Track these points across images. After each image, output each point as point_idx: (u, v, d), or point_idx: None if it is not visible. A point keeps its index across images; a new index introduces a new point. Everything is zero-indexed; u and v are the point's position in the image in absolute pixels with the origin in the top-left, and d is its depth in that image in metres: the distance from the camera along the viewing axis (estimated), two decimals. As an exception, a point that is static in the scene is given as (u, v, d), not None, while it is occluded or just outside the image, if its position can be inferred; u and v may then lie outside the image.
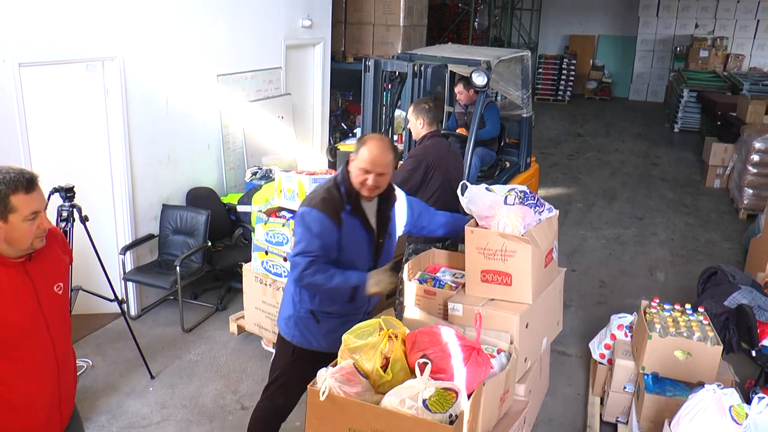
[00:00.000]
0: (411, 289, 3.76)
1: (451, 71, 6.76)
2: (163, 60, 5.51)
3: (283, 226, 4.60)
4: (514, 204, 3.50)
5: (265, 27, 6.86)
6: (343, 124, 9.64)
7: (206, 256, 5.61)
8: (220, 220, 5.89)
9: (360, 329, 2.68)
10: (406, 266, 3.94)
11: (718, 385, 2.96)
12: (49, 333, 2.37)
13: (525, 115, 6.88)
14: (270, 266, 4.79)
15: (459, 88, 6.62)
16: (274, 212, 4.77)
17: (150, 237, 5.61)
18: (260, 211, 4.77)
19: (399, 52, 9.48)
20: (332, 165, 8.38)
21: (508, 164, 6.93)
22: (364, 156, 2.97)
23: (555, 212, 3.72)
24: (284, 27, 7.19)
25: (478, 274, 3.54)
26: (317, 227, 3.00)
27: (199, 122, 6.06)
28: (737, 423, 2.82)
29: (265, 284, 4.90)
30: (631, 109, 18.27)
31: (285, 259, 4.60)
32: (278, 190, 4.72)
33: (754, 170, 8.75)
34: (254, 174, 6.35)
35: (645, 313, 4.09)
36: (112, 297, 4.67)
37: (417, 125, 4.59)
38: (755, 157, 8.75)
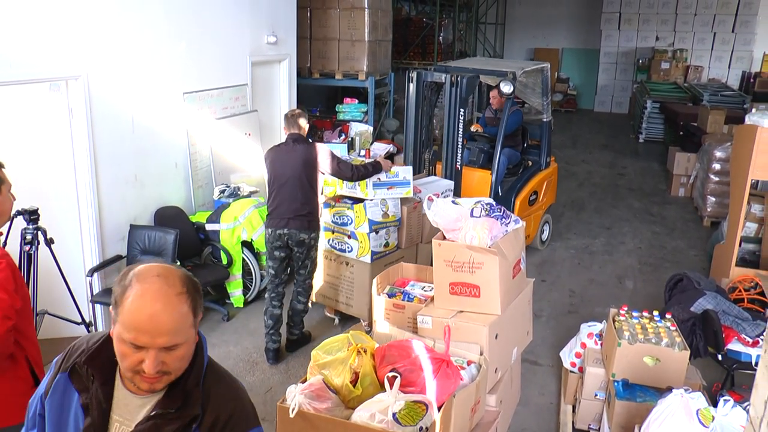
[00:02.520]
0: (380, 303, 3.77)
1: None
2: (128, 78, 5.47)
3: (348, 209, 5.36)
4: (480, 216, 3.54)
5: (230, 44, 6.86)
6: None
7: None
8: (188, 239, 5.84)
9: (329, 345, 2.68)
10: (374, 280, 3.95)
11: (686, 390, 3.00)
12: None
13: (545, 120, 7.60)
14: (335, 243, 5.56)
15: (494, 94, 7.36)
16: (337, 199, 5.54)
17: (118, 258, 5.53)
18: (326, 196, 5.63)
19: (365, 67, 9.55)
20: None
21: (530, 163, 7.56)
22: (130, 316, 1.53)
23: (521, 224, 3.77)
24: (249, 44, 7.19)
25: (447, 286, 3.56)
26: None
27: (165, 141, 6.02)
28: (704, 426, 2.87)
29: (330, 259, 5.63)
30: (597, 120, 18.55)
31: (350, 237, 5.40)
32: (341, 182, 5.46)
33: (716, 179, 8.92)
34: (222, 192, 6.32)
35: (614, 320, 4.14)
36: (80, 320, 4.58)
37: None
38: (716, 166, 8.93)
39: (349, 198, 5.48)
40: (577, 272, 7.29)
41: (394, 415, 2.34)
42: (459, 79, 6.36)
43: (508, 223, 3.61)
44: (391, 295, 3.88)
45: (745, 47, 18.83)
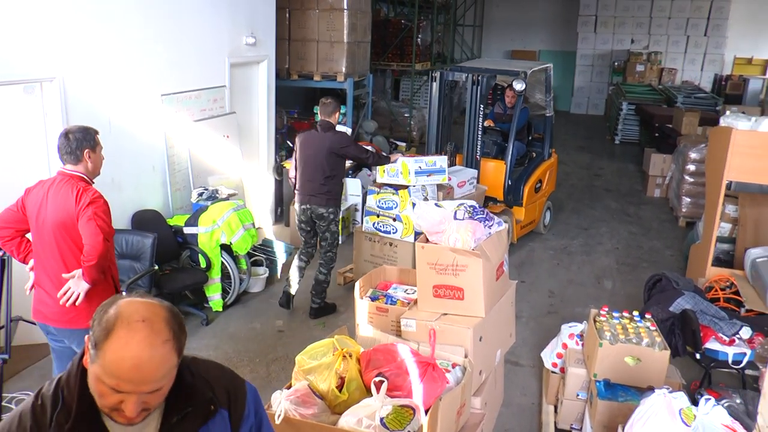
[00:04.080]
0: (363, 306, 3.75)
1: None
2: (105, 80, 5.39)
3: (393, 194, 6.12)
4: (463, 219, 3.54)
5: (208, 45, 6.79)
6: (288, 142, 9.58)
7: (153, 280, 5.47)
8: (166, 243, 5.77)
9: (313, 350, 2.66)
10: (357, 284, 3.94)
11: (668, 390, 3.03)
12: None
13: (548, 114, 8.36)
14: (380, 226, 6.24)
15: (508, 91, 8.09)
16: (379, 186, 6.27)
17: (94, 262, 5.45)
18: (373, 183, 6.49)
19: (343, 69, 9.53)
20: (279, 184, 8.34)
21: (534, 154, 8.27)
22: (112, 365, 1.45)
23: (504, 226, 3.78)
24: (228, 45, 7.13)
25: (430, 289, 3.55)
26: None
27: (143, 143, 5.94)
28: (687, 425, 2.90)
29: (374, 241, 6.30)
30: (573, 122, 18.71)
31: (395, 219, 6.12)
32: (381, 171, 6.18)
33: (691, 179, 9.05)
34: (200, 195, 6.25)
35: (595, 321, 4.17)
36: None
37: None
38: (691, 167, 9.05)
39: (390, 185, 6.18)
40: (556, 273, 7.33)
41: (381, 420, 2.33)
42: (480, 78, 7.10)
43: (491, 225, 3.62)
44: (373, 299, 3.86)
45: (717, 50, 19.15)
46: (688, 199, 9.08)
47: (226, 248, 5.93)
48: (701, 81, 19.03)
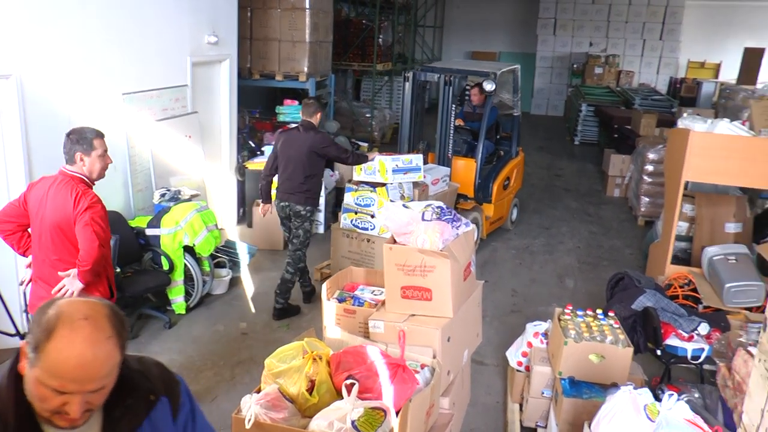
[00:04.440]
0: (330, 308, 3.74)
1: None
2: (64, 78, 5.26)
3: (371, 192, 6.28)
4: (431, 220, 3.54)
5: (170, 44, 6.68)
6: (250, 142, 9.49)
7: (115, 283, 5.36)
8: (128, 245, 5.66)
9: (282, 353, 2.64)
10: (324, 285, 3.92)
11: (633, 386, 3.08)
12: None
13: (515, 114, 8.61)
14: (358, 222, 6.39)
15: (475, 92, 8.28)
16: (356, 184, 6.42)
17: (53, 265, 5.32)
18: (350, 181, 6.55)
19: (305, 68, 9.48)
20: (241, 184, 8.26)
21: (502, 153, 8.47)
22: (56, 365, 1.42)
23: (472, 227, 3.80)
24: (189, 44, 7.03)
25: (398, 290, 3.55)
26: None
27: (103, 143, 5.81)
28: (651, 420, 2.95)
29: (351, 237, 6.42)
30: (533, 123, 18.94)
31: (372, 216, 6.26)
32: (359, 170, 6.35)
33: (649, 179, 9.24)
34: (163, 196, 6.15)
35: (559, 319, 4.22)
36: (14, 331, 4.39)
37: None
38: (649, 167, 9.25)
39: (368, 183, 6.35)
40: (519, 272, 7.41)
41: (353, 422, 2.32)
42: (452, 78, 7.28)
43: (459, 226, 3.63)
44: (341, 300, 3.85)
45: (672, 54, 19.65)
46: (647, 199, 9.27)
47: (188, 250, 5.85)
48: (657, 83, 19.48)
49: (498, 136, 8.65)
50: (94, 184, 3.67)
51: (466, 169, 7.77)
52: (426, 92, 7.88)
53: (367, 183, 6.37)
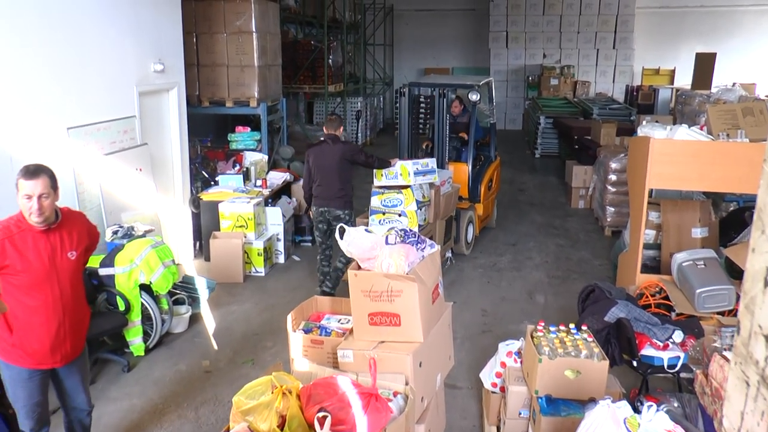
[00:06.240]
0: (297, 340, 3.71)
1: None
2: (3, 114, 5.17)
3: (398, 193, 7.02)
4: (395, 243, 3.56)
5: (115, 74, 6.62)
6: (204, 172, 9.42)
7: None
8: (79, 287, 5.54)
9: (251, 389, 2.61)
10: (288, 317, 3.89)
11: (611, 400, 3.11)
12: (59, 285, 3.49)
13: (492, 122, 9.59)
14: (386, 222, 6.91)
15: (455, 103, 9.03)
16: (380, 188, 7.16)
17: (-2, 312, 5.17)
18: (376, 187, 7.19)
19: (256, 93, 9.48)
20: (196, 216, 8.17)
21: (483, 157, 9.25)
22: None
23: (437, 248, 3.82)
24: (135, 73, 6.97)
25: (366, 317, 3.55)
26: None
27: (47, 181, 5.71)
28: (631, 434, 2.98)
29: None
30: (492, 138, 19.15)
31: (400, 215, 6.94)
32: (379, 175, 7.11)
33: (613, 189, 9.42)
34: (115, 233, 6.05)
35: (532, 337, 4.24)
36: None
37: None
38: (612, 177, 9.43)
39: (388, 187, 7.15)
40: (487, 291, 7.46)
41: (327, 457, 2.30)
42: (446, 91, 8.30)
43: (424, 248, 3.65)
44: (307, 331, 3.83)
45: (626, 62, 20.19)
46: (612, 209, 9.44)
47: (145, 288, 5.74)
48: (614, 92, 19.98)
49: (478, 142, 9.33)
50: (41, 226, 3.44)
51: (459, 172, 8.67)
52: (419, 106, 8.66)
53: (388, 187, 7.13)
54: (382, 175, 7.17)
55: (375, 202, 7.20)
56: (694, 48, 19.67)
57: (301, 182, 7.27)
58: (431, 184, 7.46)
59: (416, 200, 7.04)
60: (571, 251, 8.83)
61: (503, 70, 20.77)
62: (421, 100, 8.57)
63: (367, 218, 7.36)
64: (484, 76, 10.05)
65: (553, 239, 9.37)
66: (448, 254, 8.29)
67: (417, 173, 7.12)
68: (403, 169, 7.09)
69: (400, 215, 7.03)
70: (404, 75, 21.80)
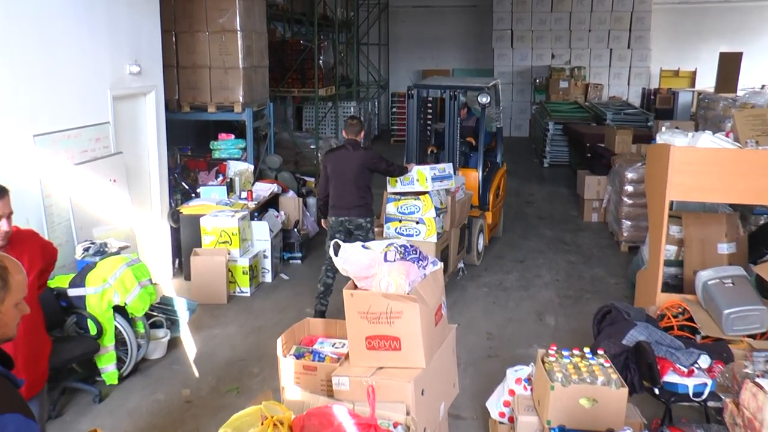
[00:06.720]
0: (288, 366, 3.70)
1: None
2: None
3: (415, 200, 7.29)
4: (395, 260, 3.56)
5: (87, 76, 6.63)
6: (183, 184, 9.42)
7: None
8: (47, 309, 5.43)
9: (239, 420, 2.60)
10: (279, 341, 3.88)
11: (631, 431, 3.11)
12: None
13: (498, 126, 9.93)
14: (403, 230, 7.38)
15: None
16: (397, 195, 7.42)
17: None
18: (392, 193, 7.46)
19: (240, 98, 9.49)
20: (176, 231, 8.17)
21: (489, 163, 9.43)
22: None
23: (439, 265, 3.82)
24: (109, 75, 6.98)
25: (363, 341, 3.54)
26: None
27: (14, 193, 5.61)
28: (654, 470, 2.98)
29: None
30: (497, 145, 19.21)
31: (417, 222, 7.31)
32: (394, 182, 7.34)
33: (630, 201, 9.42)
34: (86, 250, 6.04)
35: (543, 362, 4.24)
36: None
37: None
38: (629, 188, 9.44)
39: (404, 193, 7.38)
40: (493, 312, 7.45)
41: (323, 494, 2.29)
42: (456, 93, 8.51)
43: (426, 265, 3.65)
44: (298, 356, 3.82)
45: (642, 63, 20.23)
46: (629, 223, 9.44)
47: (119, 310, 5.73)
48: (629, 95, 20.01)
49: (484, 148, 9.46)
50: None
51: (469, 178, 8.85)
52: (425, 106, 8.92)
53: (403, 193, 7.35)
54: (396, 181, 7.36)
55: (391, 209, 7.45)
56: (717, 47, 19.69)
57: (318, 190, 7.58)
58: (447, 191, 7.63)
59: (435, 207, 7.27)
60: (584, 268, 8.84)
61: (508, 71, 20.78)
62: (428, 103, 8.74)
63: (382, 226, 7.56)
64: (490, 78, 10.34)
65: (564, 255, 9.38)
66: (460, 265, 8.38)
67: (434, 179, 7.30)
68: (420, 175, 7.27)
69: (417, 222, 7.32)
70: (401, 76, 21.87)
